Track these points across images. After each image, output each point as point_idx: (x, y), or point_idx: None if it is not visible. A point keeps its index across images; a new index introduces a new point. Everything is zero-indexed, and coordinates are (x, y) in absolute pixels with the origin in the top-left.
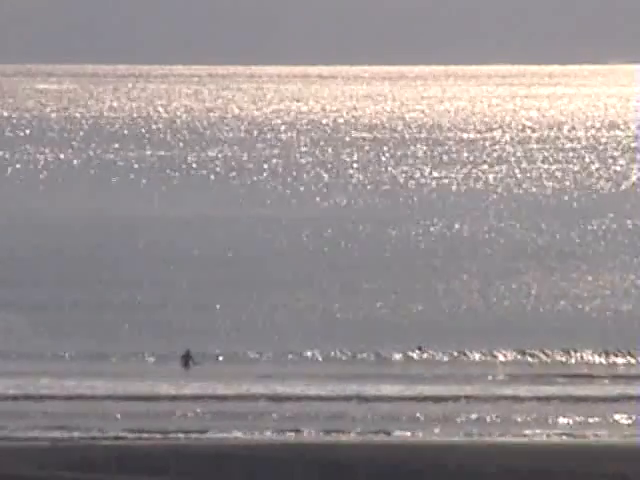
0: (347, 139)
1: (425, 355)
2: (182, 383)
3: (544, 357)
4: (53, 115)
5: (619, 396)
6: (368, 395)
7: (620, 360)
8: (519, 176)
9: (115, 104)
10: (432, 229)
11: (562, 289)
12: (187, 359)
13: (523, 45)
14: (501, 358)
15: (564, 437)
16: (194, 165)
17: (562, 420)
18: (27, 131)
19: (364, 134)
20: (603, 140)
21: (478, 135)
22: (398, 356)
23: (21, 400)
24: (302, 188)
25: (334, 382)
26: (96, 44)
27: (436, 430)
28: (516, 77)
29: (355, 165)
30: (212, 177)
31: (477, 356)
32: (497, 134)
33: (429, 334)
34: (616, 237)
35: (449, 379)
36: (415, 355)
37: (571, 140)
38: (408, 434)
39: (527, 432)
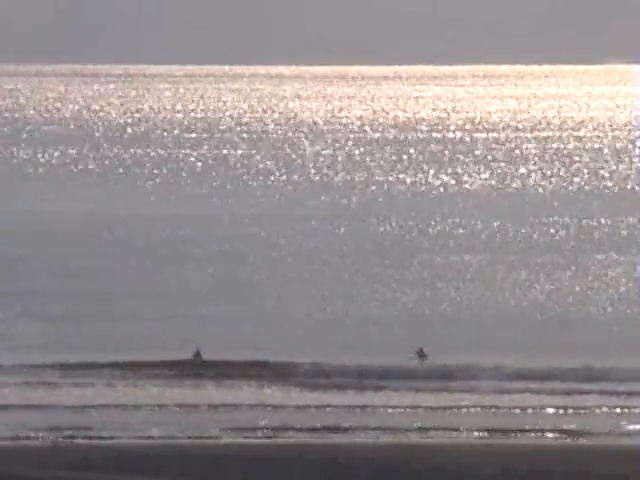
0: (345, 139)
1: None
2: (187, 390)
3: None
4: (50, 114)
5: None
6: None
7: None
8: (517, 176)
9: (113, 104)
10: (429, 229)
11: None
12: (197, 358)
13: (522, 45)
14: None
15: (564, 438)
16: (194, 165)
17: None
18: (26, 131)
19: (362, 134)
20: (601, 140)
21: (476, 135)
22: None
23: (25, 409)
24: (300, 188)
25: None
26: (95, 44)
27: None
28: (515, 77)
29: (353, 164)
30: (211, 177)
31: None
32: (495, 134)
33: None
34: (613, 237)
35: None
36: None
37: (569, 140)
38: (408, 434)
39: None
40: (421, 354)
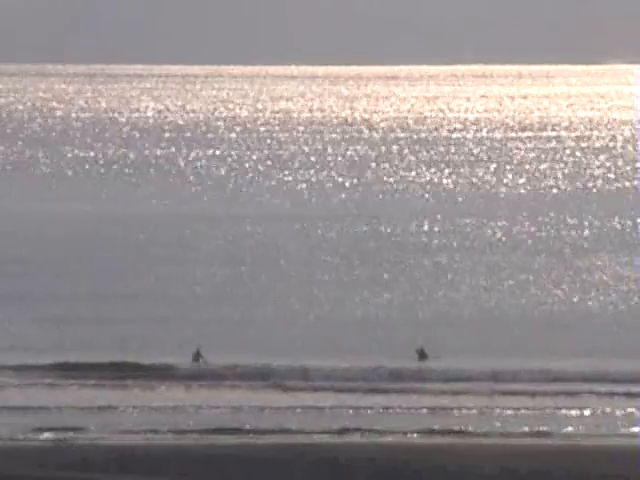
0: (344, 139)
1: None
2: (189, 392)
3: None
4: (49, 114)
5: None
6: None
7: None
8: (516, 176)
9: (112, 104)
10: (428, 229)
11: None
12: (197, 357)
13: (522, 45)
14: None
15: (563, 438)
16: (194, 165)
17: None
18: (25, 131)
19: (361, 134)
20: (601, 140)
21: (476, 135)
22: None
23: (25, 409)
24: (299, 188)
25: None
26: (95, 44)
27: None
28: (515, 77)
29: (351, 164)
30: (211, 177)
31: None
32: (495, 134)
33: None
34: (613, 236)
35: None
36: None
37: (569, 140)
38: (408, 435)
39: None
40: (422, 354)
